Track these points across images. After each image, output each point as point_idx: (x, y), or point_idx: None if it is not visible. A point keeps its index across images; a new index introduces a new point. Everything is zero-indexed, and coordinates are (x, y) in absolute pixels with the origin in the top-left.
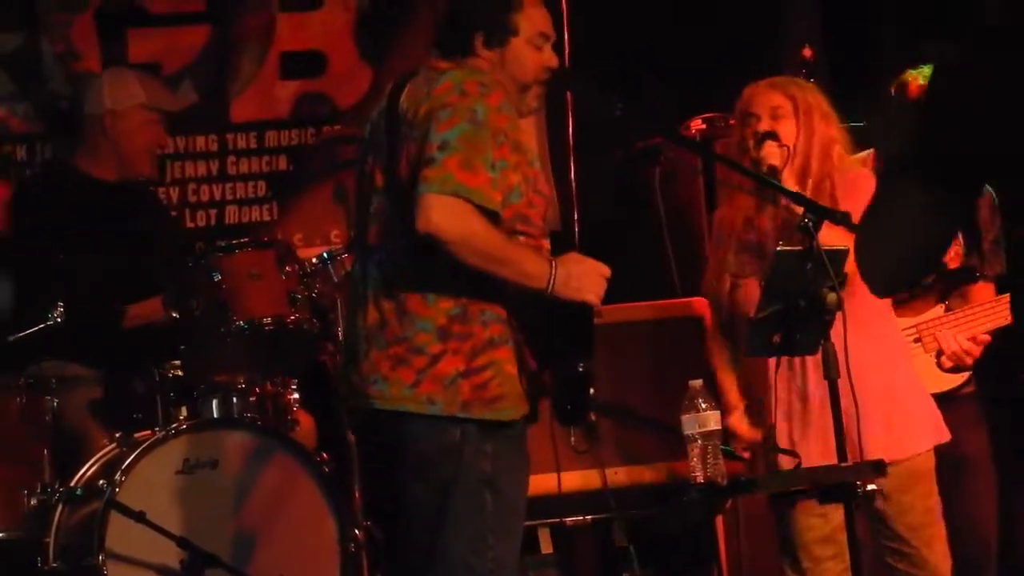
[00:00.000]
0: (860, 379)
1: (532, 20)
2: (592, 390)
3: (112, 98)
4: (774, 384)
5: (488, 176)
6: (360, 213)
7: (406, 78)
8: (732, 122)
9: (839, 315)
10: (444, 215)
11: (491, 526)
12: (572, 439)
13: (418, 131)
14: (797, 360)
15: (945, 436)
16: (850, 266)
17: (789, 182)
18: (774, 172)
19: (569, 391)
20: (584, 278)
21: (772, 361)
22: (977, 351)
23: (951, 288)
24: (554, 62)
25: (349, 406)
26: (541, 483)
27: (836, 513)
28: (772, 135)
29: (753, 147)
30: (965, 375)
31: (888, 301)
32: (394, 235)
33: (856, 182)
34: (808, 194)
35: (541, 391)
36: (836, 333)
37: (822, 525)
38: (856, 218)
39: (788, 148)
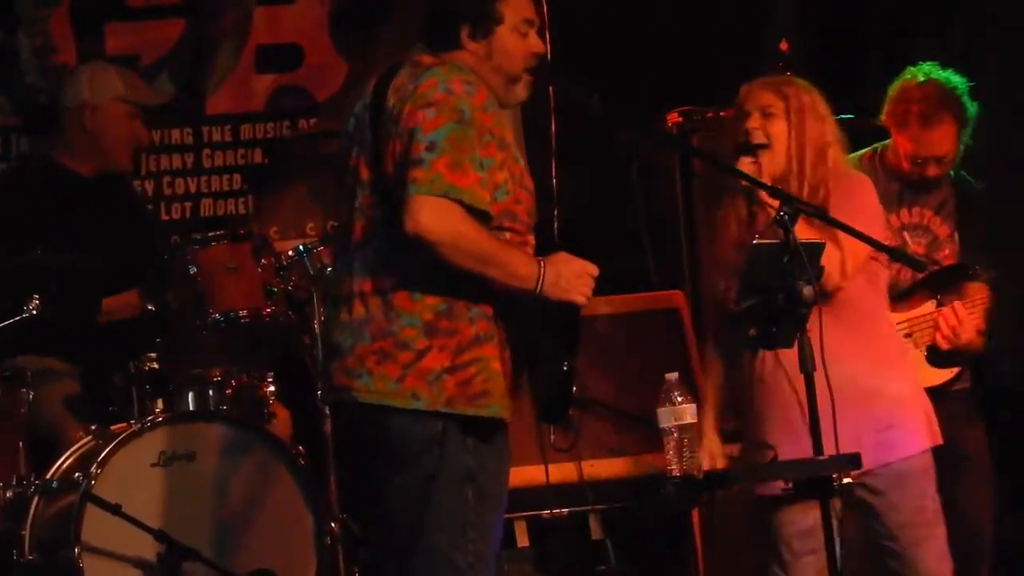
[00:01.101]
0: (851, 378)
1: (516, 7)
2: (573, 388)
3: (91, 92)
4: (752, 382)
5: (477, 176)
6: (344, 207)
7: (391, 71)
8: (722, 114)
9: (815, 309)
10: (432, 216)
11: (472, 520)
12: (553, 437)
13: (402, 128)
14: (783, 356)
15: (938, 439)
16: (843, 263)
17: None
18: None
19: (552, 389)
20: (572, 279)
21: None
22: (969, 331)
23: (945, 285)
24: (540, 48)
25: (330, 400)
26: (518, 475)
27: (818, 507)
28: (749, 148)
29: (731, 155)
30: (955, 370)
31: (884, 300)
32: (380, 231)
33: (852, 188)
34: (805, 194)
35: (515, 389)
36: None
37: (803, 519)
38: (854, 224)
39: (760, 166)
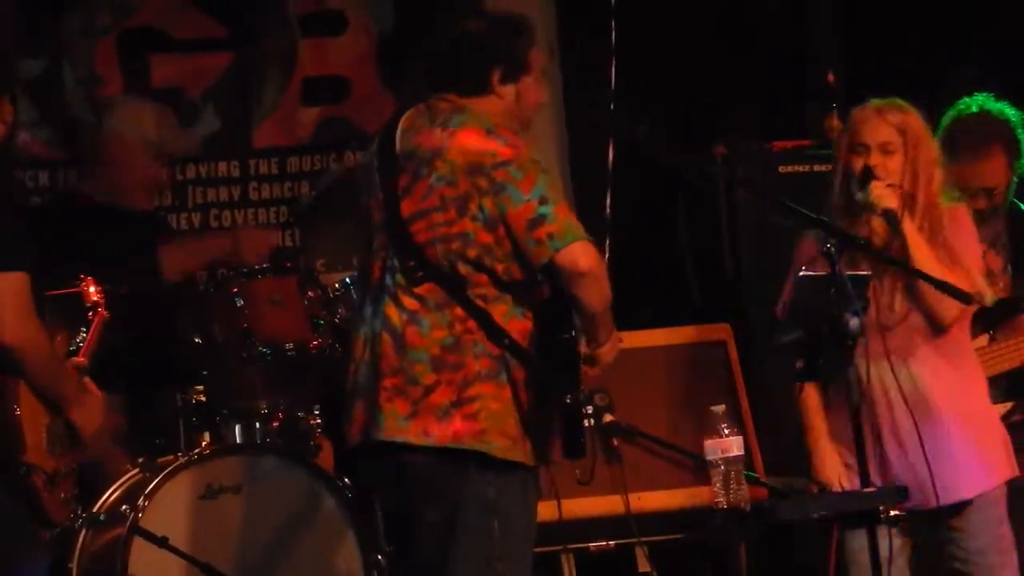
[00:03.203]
0: (944, 406)
1: (538, 58)
2: (586, 423)
3: (117, 126)
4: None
5: None
6: (364, 252)
7: (397, 116)
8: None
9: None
10: (590, 259)
11: (499, 553)
12: (577, 472)
13: (459, 178)
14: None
15: (1016, 470)
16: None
17: (906, 220)
18: (892, 215)
19: (563, 424)
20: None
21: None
22: None
23: (998, 319)
24: (545, 99)
25: (354, 441)
26: (563, 506)
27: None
28: (871, 175)
29: (858, 186)
30: (1011, 404)
31: (968, 331)
32: (393, 269)
33: (957, 215)
34: (918, 223)
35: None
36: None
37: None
38: (966, 251)
39: (899, 187)
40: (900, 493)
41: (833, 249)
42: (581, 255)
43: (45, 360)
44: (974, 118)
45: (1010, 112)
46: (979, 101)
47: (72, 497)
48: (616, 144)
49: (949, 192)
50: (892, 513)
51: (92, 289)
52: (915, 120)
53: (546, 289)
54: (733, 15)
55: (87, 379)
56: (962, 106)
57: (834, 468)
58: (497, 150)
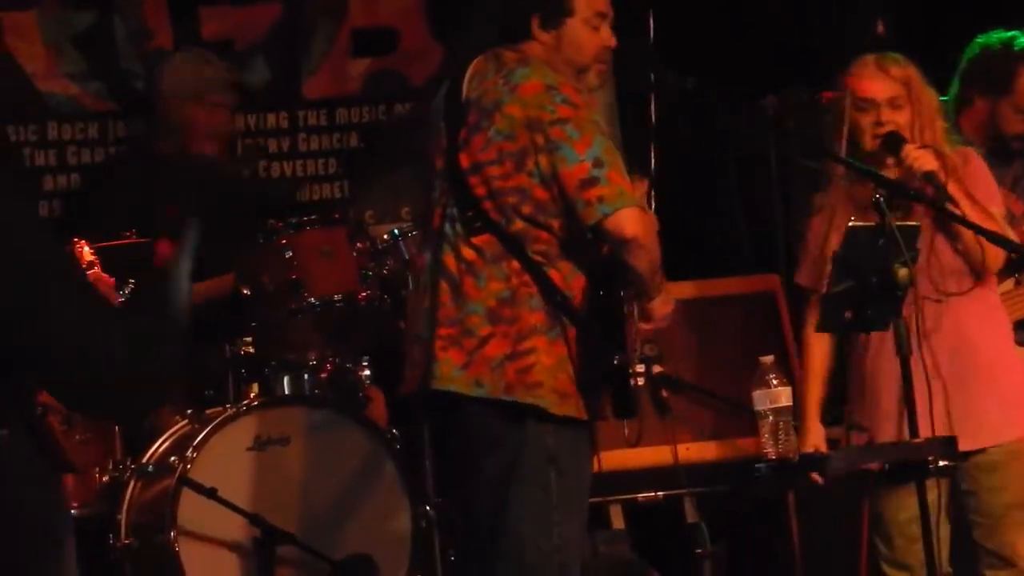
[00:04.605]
0: (982, 356)
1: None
2: (638, 384)
3: (169, 81)
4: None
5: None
6: (425, 197)
7: (467, 64)
8: (820, 96)
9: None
10: (638, 226)
11: (556, 504)
12: (626, 431)
13: (517, 133)
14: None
15: None
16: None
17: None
18: (934, 177)
19: (611, 385)
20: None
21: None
22: None
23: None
24: (612, 42)
25: (409, 387)
26: (612, 458)
27: (931, 491)
28: (899, 138)
29: (887, 152)
30: None
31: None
32: (452, 218)
33: (968, 160)
34: (943, 176)
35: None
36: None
37: (914, 503)
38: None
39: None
40: (949, 443)
41: (882, 199)
42: (628, 221)
43: None
44: (999, 52)
45: None
46: (1001, 35)
47: (88, 439)
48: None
49: (952, 136)
50: (941, 463)
51: (86, 250)
52: (914, 70)
53: (603, 247)
54: None
55: None
56: (1005, 38)
57: (816, 441)
58: (557, 107)
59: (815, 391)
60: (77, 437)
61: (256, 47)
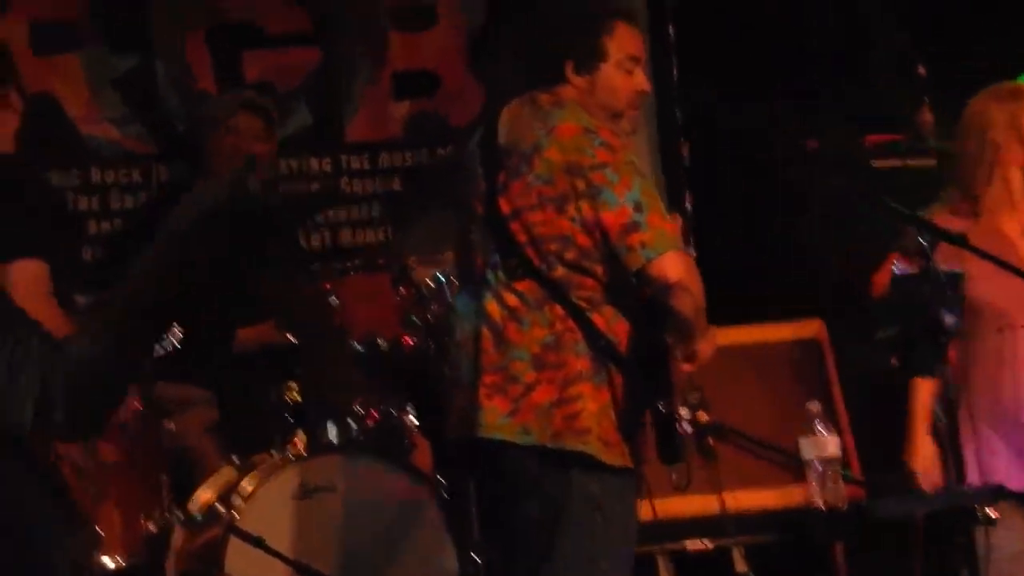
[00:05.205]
0: None
1: (621, 44)
2: (685, 429)
3: (211, 122)
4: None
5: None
6: (463, 242)
7: (501, 109)
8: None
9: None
10: (680, 270)
11: (602, 550)
12: (673, 476)
13: (557, 177)
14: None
15: None
16: None
17: None
18: None
19: (656, 430)
20: (711, 342)
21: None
22: None
23: None
24: (646, 86)
25: (452, 434)
26: (659, 506)
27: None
28: None
29: None
30: None
31: None
32: (494, 265)
33: None
34: None
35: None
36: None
37: (1009, 543)
38: None
39: None
40: (997, 492)
41: (928, 245)
42: (671, 265)
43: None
44: None
45: None
46: None
47: (99, 492)
48: (697, 137)
49: None
50: (990, 514)
51: None
52: None
53: (645, 291)
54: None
55: None
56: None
57: (925, 458)
58: (596, 150)
59: (923, 412)
60: (91, 489)
61: (297, 90)
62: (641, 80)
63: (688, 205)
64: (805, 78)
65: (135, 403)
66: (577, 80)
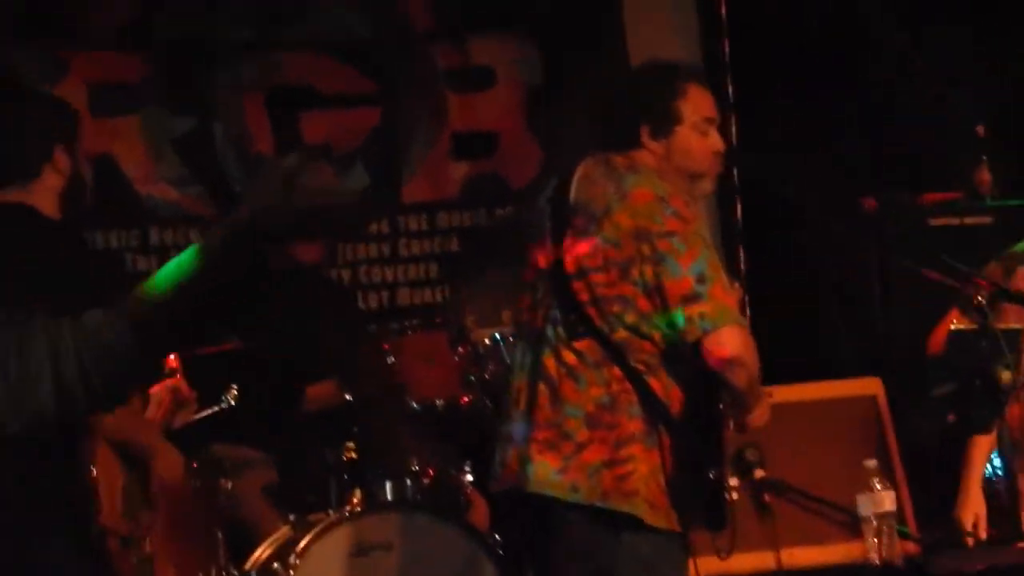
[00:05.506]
0: None
1: (696, 106)
2: (732, 497)
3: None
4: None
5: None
6: (526, 298)
7: (574, 166)
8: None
9: None
10: (738, 345)
11: None
12: (716, 542)
13: (624, 242)
14: None
15: None
16: None
17: None
18: None
19: (705, 498)
20: (765, 409)
21: None
22: None
23: None
24: (720, 146)
25: (499, 488)
26: (712, 564)
27: None
28: None
29: None
30: None
31: None
32: (554, 321)
33: None
34: None
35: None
36: None
37: None
38: None
39: None
40: None
41: (985, 303)
42: (728, 340)
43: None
44: None
45: None
46: None
47: (145, 559)
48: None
49: None
50: None
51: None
52: None
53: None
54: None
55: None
56: None
57: (971, 511)
58: (666, 219)
59: (978, 465)
60: (134, 559)
61: (355, 151)
62: (716, 141)
63: (742, 265)
64: (862, 136)
65: (191, 463)
66: (653, 145)
